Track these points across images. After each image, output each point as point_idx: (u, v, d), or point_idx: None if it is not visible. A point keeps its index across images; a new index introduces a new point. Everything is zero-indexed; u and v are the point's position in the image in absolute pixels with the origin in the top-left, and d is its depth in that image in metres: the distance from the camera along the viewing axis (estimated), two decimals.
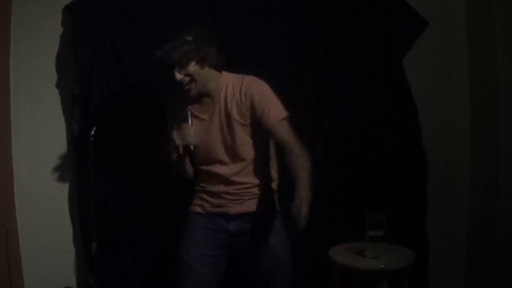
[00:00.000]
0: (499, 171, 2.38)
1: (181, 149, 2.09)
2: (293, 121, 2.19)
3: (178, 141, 2.08)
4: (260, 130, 2.08)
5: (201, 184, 2.18)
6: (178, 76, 2.00)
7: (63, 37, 2.57)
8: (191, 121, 2.09)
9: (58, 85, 2.61)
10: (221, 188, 2.12)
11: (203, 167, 2.15)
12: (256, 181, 2.13)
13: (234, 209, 2.12)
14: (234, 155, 2.10)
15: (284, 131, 2.04)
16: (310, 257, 2.31)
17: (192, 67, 2.01)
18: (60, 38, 2.58)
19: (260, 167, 2.14)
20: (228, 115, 2.07)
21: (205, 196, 2.16)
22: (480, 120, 2.55)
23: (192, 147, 2.09)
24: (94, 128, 2.27)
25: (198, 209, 2.17)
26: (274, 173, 2.18)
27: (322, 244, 2.21)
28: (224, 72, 2.12)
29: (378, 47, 2.47)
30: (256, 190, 2.13)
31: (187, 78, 2.01)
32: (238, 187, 2.11)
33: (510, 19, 2.35)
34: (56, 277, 2.62)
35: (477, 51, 2.54)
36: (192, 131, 2.08)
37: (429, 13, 2.49)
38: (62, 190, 2.64)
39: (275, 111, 2.04)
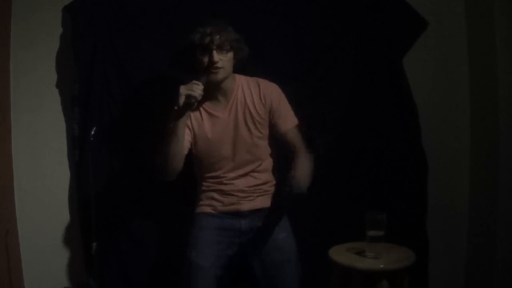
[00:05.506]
0: (499, 171, 2.38)
1: (183, 99, 1.97)
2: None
3: (183, 91, 1.97)
4: (269, 131, 2.19)
5: (211, 184, 2.18)
6: (217, 57, 2.03)
7: (63, 37, 2.57)
8: (203, 82, 2.02)
9: (58, 85, 2.61)
10: (234, 185, 2.15)
11: (217, 166, 2.16)
12: (266, 179, 2.20)
13: (245, 206, 2.15)
14: (249, 153, 2.16)
15: (296, 137, 2.17)
16: (310, 257, 2.31)
17: (230, 54, 2.07)
18: (60, 38, 2.58)
19: (269, 165, 2.23)
20: (247, 114, 2.14)
21: (216, 195, 2.17)
22: (480, 120, 2.55)
23: (193, 101, 1.97)
24: (94, 128, 2.27)
25: (208, 209, 2.18)
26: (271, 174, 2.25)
27: (322, 244, 2.21)
28: (235, 74, 2.17)
29: (378, 47, 2.47)
30: (265, 187, 2.20)
31: (220, 63, 2.04)
32: (250, 184, 2.16)
33: (510, 19, 2.35)
34: (56, 277, 2.63)
35: (477, 51, 2.54)
36: (201, 88, 1.99)
37: (429, 13, 2.49)
38: (62, 190, 2.64)
39: (290, 117, 2.19)
